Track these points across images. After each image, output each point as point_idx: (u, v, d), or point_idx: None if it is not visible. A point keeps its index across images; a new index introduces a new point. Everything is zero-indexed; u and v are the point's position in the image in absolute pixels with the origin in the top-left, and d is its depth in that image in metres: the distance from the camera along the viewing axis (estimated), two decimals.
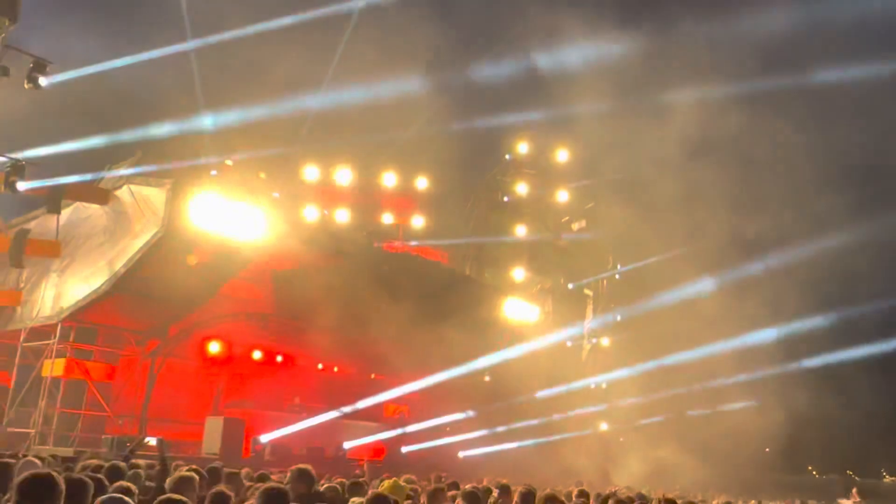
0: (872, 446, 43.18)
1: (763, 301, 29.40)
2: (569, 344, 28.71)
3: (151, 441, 9.94)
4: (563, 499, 7.75)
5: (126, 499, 4.29)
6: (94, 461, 8.19)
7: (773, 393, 32.01)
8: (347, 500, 6.85)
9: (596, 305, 29.99)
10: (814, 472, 47.49)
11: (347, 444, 21.51)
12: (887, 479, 50.74)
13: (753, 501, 14.51)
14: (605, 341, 29.84)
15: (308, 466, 6.70)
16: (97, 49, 18.57)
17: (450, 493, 8.07)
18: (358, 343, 21.83)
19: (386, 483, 6.87)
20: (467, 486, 9.48)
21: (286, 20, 19.70)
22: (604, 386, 29.60)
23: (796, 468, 43.85)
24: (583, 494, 10.83)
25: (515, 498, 7.57)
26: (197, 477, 6.57)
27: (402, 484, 7.12)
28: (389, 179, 24.17)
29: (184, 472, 6.86)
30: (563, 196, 27.87)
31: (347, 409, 21.30)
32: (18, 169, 16.77)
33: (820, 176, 28.06)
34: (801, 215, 28.84)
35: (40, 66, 16.33)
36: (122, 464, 6.79)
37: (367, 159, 23.51)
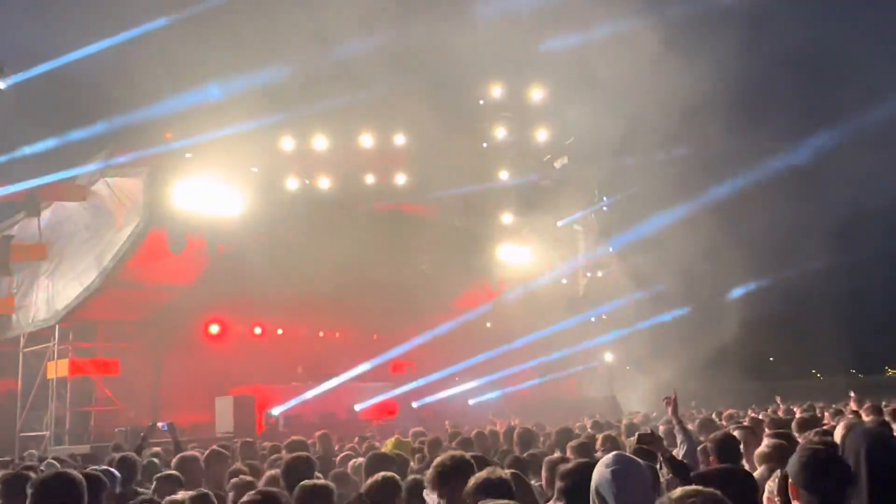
0: (875, 343, 44.06)
1: (751, 216, 29.63)
2: (564, 281, 28.91)
3: (163, 427, 10.06)
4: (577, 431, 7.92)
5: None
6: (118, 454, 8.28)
7: (771, 298, 32.53)
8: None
9: (587, 239, 30.12)
10: (818, 375, 48.43)
11: (358, 406, 21.79)
12: (890, 372, 51.87)
13: (761, 413, 14.81)
14: (600, 274, 30.07)
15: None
16: (52, 44, 18.16)
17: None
18: (356, 306, 21.93)
19: (389, 441, 6.98)
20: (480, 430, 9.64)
21: None
22: (604, 317, 29.91)
23: (801, 373, 44.75)
24: (596, 426, 11.06)
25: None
26: (199, 456, 6.64)
27: (407, 440, 7.23)
28: (367, 140, 23.96)
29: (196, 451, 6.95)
30: (542, 135, 27.70)
31: (354, 371, 21.49)
32: None
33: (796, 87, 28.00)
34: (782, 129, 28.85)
35: None
36: (134, 455, 6.84)
37: (342, 123, 23.23)
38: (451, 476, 3.55)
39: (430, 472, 3.63)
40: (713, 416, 11.87)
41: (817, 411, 11.33)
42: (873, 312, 41.65)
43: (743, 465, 4.94)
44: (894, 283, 41.33)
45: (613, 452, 3.13)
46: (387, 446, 6.75)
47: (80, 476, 3.99)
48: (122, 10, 18.74)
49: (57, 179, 18.03)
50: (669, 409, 5.95)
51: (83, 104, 18.04)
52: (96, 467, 6.06)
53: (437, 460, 3.72)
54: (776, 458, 4.28)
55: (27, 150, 17.90)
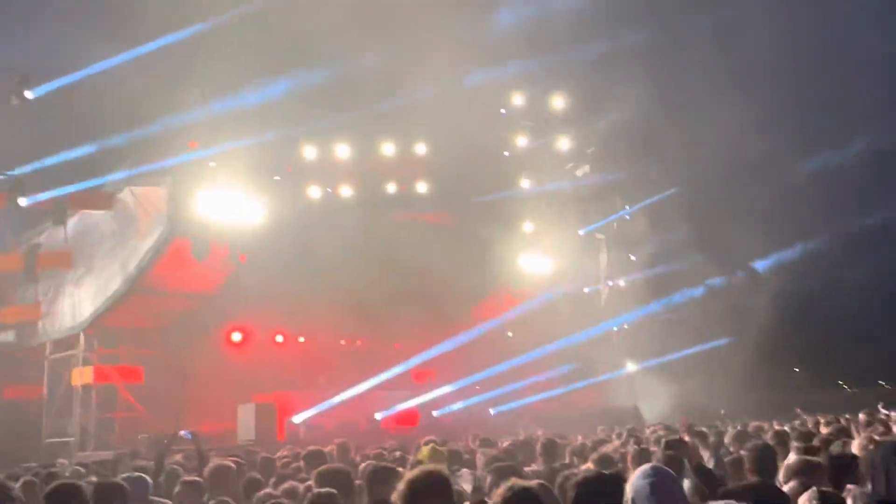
0: None
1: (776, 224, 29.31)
2: (586, 290, 28.73)
3: (186, 435, 10.11)
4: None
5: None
6: (141, 462, 8.32)
7: (799, 311, 32.07)
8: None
9: (609, 249, 29.90)
10: (845, 386, 47.64)
11: (379, 415, 21.77)
12: None
13: (786, 425, 14.60)
14: (622, 283, 29.82)
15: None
16: (77, 55, 18.42)
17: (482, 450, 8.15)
18: (377, 315, 21.95)
19: (424, 450, 6.92)
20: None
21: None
22: (626, 327, 29.65)
23: (827, 384, 44.03)
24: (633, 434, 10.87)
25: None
26: (234, 465, 6.65)
27: (442, 449, 7.19)
28: (388, 149, 24.01)
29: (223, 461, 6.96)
30: (563, 143, 27.59)
31: (375, 380, 21.48)
32: (18, 185, 16.82)
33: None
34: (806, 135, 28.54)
35: (24, 80, 16.27)
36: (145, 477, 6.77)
37: (364, 131, 23.31)
38: None
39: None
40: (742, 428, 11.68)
41: (843, 423, 11.11)
42: None
43: (777, 480, 4.83)
44: None
45: (650, 464, 3.09)
46: (422, 454, 6.69)
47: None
48: (147, 21, 18.97)
49: (83, 188, 18.26)
50: (685, 432, 5.80)
51: (108, 114, 18.25)
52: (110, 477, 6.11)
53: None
54: (808, 472, 4.17)
55: (53, 159, 18.14)
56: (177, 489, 5.86)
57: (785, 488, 4.40)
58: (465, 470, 6.54)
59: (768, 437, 7.38)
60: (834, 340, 38.95)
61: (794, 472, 4.37)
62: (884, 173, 29.31)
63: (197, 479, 6.17)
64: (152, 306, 18.42)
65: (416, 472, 3.44)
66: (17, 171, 17.23)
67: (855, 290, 33.24)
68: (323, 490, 4.66)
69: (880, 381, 47.34)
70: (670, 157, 27.73)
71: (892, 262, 32.37)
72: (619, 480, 3.62)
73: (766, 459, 4.80)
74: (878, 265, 32.15)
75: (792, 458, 4.67)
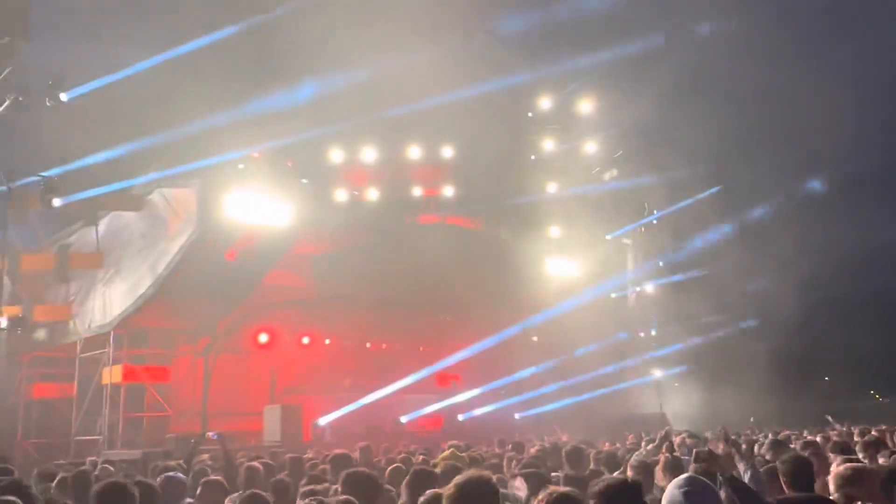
0: None
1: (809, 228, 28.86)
2: (613, 295, 28.52)
3: (213, 436, 10.17)
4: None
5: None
6: (166, 462, 8.37)
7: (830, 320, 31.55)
8: None
9: (636, 253, 29.67)
10: (876, 396, 46.79)
11: (404, 418, 21.77)
12: None
13: (818, 435, 14.35)
14: (650, 288, 29.57)
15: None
16: (111, 58, 18.68)
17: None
18: (403, 318, 21.98)
19: (445, 453, 6.88)
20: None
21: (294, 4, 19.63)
22: (653, 333, 29.39)
23: (857, 394, 43.25)
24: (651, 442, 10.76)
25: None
26: (261, 467, 6.67)
27: (463, 454, 7.15)
28: (415, 152, 24.06)
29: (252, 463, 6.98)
30: (590, 147, 27.47)
31: (400, 383, 21.49)
32: (51, 186, 17.07)
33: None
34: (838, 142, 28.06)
35: (58, 82, 16.51)
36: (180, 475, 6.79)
37: (391, 135, 23.37)
38: None
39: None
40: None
41: (876, 433, 10.86)
42: None
43: (824, 494, 4.70)
44: None
45: (685, 475, 3.04)
46: (443, 456, 6.66)
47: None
48: (177, 25, 19.21)
49: (114, 190, 18.50)
50: (721, 446, 5.65)
51: (140, 116, 18.48)
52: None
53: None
54: (857, 482, 4.04)
55: (86, 161, 18.39)
56: (198, 490, 5.86)
57: (832, 497, 4.28)
58: (519, 479, 6.45)
59: (800, 447, 7.24)
60: (866, 349, 38.26)
61: (847, 481, 4.21)
62: None
63: (219, 479, 6.17)
64: (180, 307, 18.56)
65: (464, 476, 3.44)
66: (51, 173, 17.49)
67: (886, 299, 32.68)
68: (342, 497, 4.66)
69: None
70: (698, 162, 27.48)
71: None
72: (638, 488, 3.60)
73: (804, 471, 4.69)
74: None
75: (841, 466, 4.52)
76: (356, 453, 9.35)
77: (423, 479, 4.87)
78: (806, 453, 5.51)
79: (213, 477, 6.18)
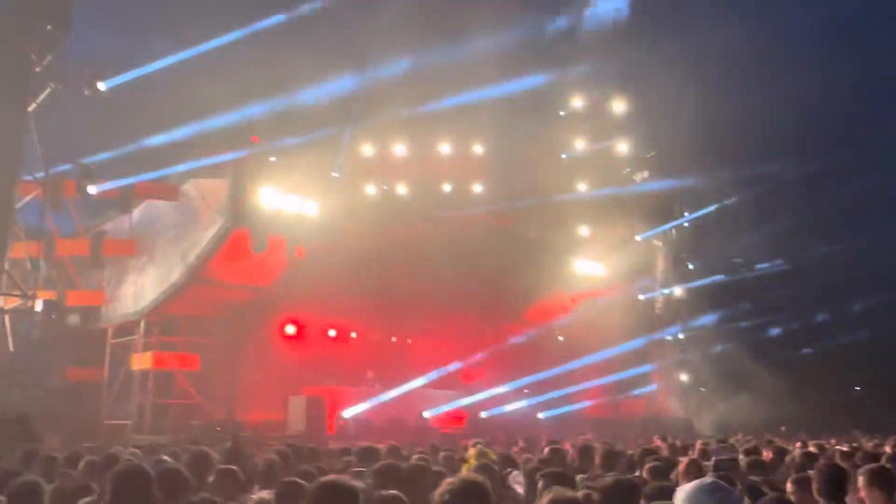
0: None
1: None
2: (641, 297, 28.28)
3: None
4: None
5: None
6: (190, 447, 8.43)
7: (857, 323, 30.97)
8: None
9: (666, 256, 29.37)
10: None
11: (427, 413, 21.81)
12: None
13: (846, 445, 14.13)
14: (679, 291, 29.27)
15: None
16: (149, 49, 18.95)
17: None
18: (429, 313, 22.00)
19: (472, 451, 6.87)
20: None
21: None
22: (680, 336, 29.10)
23: (887, 405, 42.39)
24: (673, 446, 10.69)
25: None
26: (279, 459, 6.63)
27: (488, 450, 7.14)
28: (445, 148, 24.04)
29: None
30: (622, 147, 27.25)
31: (424, 378, 21.54)
32: (87, 173, 17.36)
33: None
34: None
35: (97, 72, 16.77)
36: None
37: (422, 130, 23.36)
38: None
39: None
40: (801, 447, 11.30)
41: None
42: None
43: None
44: None
45: (709, 479, 3.01)
46: (470, 454, 6.64)
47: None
48: (214, 18, 19.39)
49: (149, 179, 18.76)
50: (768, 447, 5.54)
51: (175, 107, 18.71)
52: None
53: None
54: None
55: (122, 150, 18.68)
56: (210, 478, 5.76)
57: None
58: (516, 471, 6.47)
59: (833, 457, 7.13)
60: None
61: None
62: None
63: (232, 468, 6.02)
64: (210, 296, 18.80)
65: (455, 480, 3.45)
66: (88, 160, 17.79)
67: None
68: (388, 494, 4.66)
69: None
70: (731, 165, 27.16)
71: None
72: (635, 486, 3.64)
73: (838, 481, 4.63)
74: None
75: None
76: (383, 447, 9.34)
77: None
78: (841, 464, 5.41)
79: (225, 466, 6.04)
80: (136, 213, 19.66)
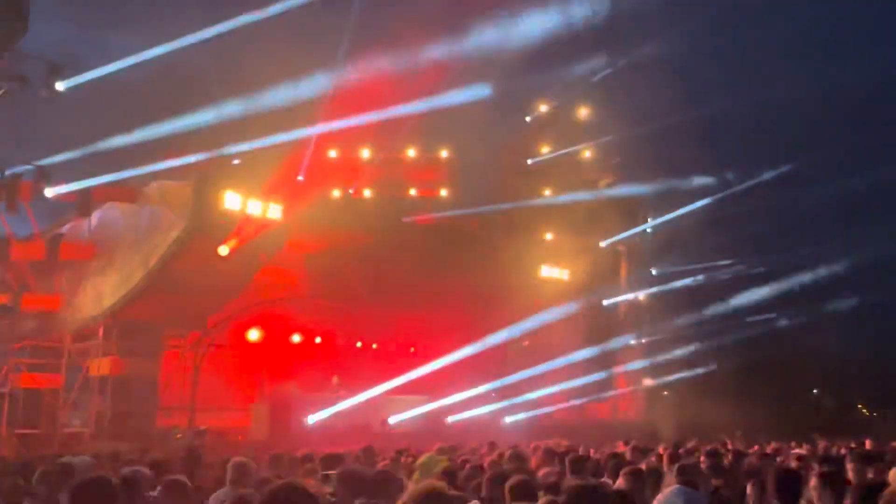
0: None
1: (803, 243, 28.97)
2: (605, 302, 28.52)
3: (202, 430, 10.10)
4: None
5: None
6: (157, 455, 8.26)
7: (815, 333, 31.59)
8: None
9: (630, 262, 29.69)
10: (863, 410, 46.92)
11: (392, 419, 21.71)
12: None
13: (805, 447, 14.40)
14: (642, 296, 29.58)
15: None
16: (110, 48, 18.59)
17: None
18: (394, 318, 21.93)
19: (421, 459, 6.83)
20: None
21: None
22: (644, 341, 29.41)
23: (845, 407, 43.36)
24: (636, 450, 10.77)
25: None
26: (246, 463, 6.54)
27: (441, 457, 7.09)
28: (412, 153, 24.04)
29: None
30: (587, 154, 27.50)
31: (389, 383, 21.44)
32: (44, 175, 16.98)
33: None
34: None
35: (55, 71, 16.41)
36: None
37: (388, 134, 23.32)
38: None
39: None
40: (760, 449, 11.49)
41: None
42: None
43: None
44: None
45: (676, 486, 3.04)
46: (420, 462, 6.59)
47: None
48: (177, 18, 19.12)
49: (109, 181, 18.40)
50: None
51: (137, 108, 18.40)
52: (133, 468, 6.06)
53: None
54: None
55: (81, 151, 18.30)
56: (159, 487, 5.61)
57: None
58: None
59: (790, 461, 7.24)
60: (854, 363, 38.39)
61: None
62: None
63: (179, 478, 5.86)
64: (171, 301, 18.49)
65: (418, 488, 3.45)
66: (44, 162, 17.40)
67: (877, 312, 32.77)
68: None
69: None
70: (695, 171, 27.57)
71: None
72: (602, 491, 3.67)
73: (791, 483, 4.70)
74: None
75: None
76: (351, 451, 9.26)
77: None
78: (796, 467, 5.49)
79: (175, 476, 5.86)
80: (95, 216, 19.28)
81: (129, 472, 5.53)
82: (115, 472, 5.96)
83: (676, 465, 6.00)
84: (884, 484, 4.63)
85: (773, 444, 12.33)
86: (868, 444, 10.97)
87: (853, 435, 16.96)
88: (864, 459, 6.23)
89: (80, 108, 17.90)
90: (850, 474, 5.97)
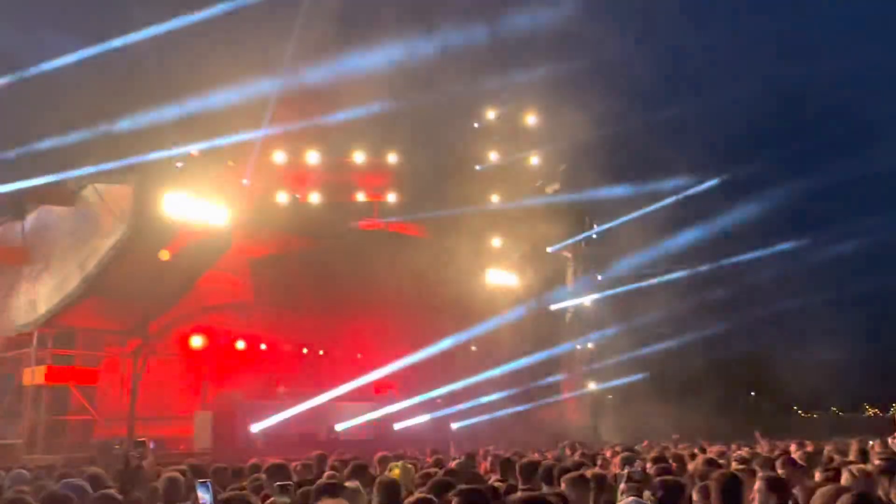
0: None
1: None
2: (552, 308, 28.81)
3: (152, 444, 9.78)
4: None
5: None
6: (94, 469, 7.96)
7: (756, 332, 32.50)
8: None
9: (576, 267, 30.08)
10: (799, 412, 48.46)
11: (339, 426, 21.51)
12: (869, 411, 52.03)
13: (744, 449, 14.74)
14: (588, 302, 29.98)
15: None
16: (45, 46, 17.99)
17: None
18: (341, 324, 21.74)
19: (395, 466, 6.75)
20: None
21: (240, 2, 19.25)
22: (590, 346, 29.80)
23: (781, 409, 44.70)
24: (584, 455, 10.88)
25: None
26: (181, 477, 6.35)
27: (410, 466, 7.03)
28: (359, 157, 23.89)
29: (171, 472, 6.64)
30: (534, 160, 27.78)
31: (336, 390, 21.24)
32: None
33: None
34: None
35: None
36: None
37: (335, 138, 23.14)
38: None
39: None
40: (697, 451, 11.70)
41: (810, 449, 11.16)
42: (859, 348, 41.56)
43: None
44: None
45: (633, 498, 3.06)
46: (394, 473, 6.51)
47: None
48: (116, 15, 18.64)
49: (44, 183, 17.75)
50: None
51: (74, 108, 17.84)
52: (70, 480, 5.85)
53: None
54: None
55: (14, 152, 17.64)
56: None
57: None
58: None
59: (732, 464, 7.38)
60: (788, 366, 39.57)
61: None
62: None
63: (111, 492, 5.64)
64: (110, 307, 17.96)
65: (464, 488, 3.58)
66: None
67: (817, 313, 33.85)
68: None
69: (833, 408, 48.18)
70: (640, 178, 28.11)
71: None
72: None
73: (734, 489, 4.77)
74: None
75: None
76: (296, 464, 9.09)
77: None
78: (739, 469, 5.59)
79: (106, 490, 5.63)
80: (30, 218, 18.62)
81: (54, 492, 5.25)
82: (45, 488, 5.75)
83: (626, 471, 6.05)
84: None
85: (715, 448, 12.55)
86: (809, 445, 11.28)
87: (792, 436, 17.45)
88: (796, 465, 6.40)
89: (14, 108, 17.27)
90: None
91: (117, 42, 17.94)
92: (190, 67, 18.08)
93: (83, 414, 17.98)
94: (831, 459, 7.95)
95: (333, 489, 4.80)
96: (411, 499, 4.48)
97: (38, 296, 18.34)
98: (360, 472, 6.96)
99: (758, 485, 5.08)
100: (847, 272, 33.12)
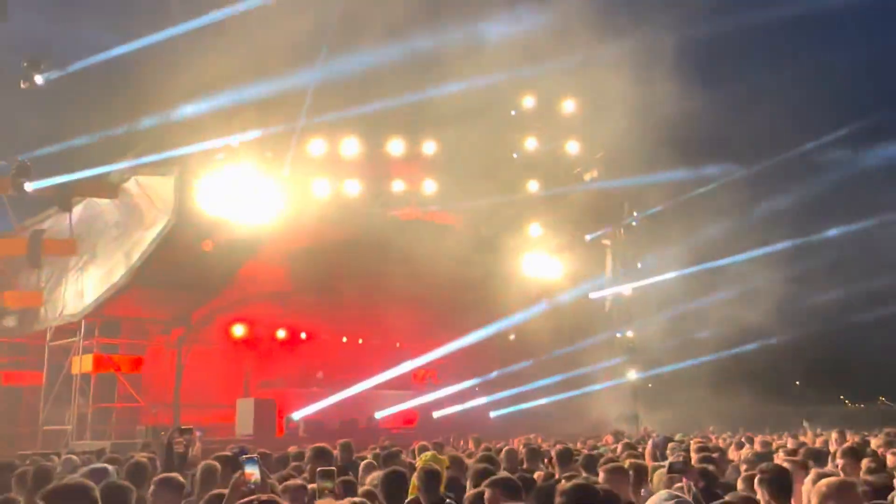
0: None
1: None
2: (591, 296, 28.55)
3: (199, 433, 9.92)
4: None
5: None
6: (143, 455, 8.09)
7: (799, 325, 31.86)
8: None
9: (615, 255, 29.72)
10: (847, 402, 47.44)
11: (379, 414, 21.65)
12: None
13: (790, 440, 14.46)
14: (628, 290, 29.63)
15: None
16: (90, 41, 18.32)
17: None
18: (380, 313, 21.83)
19: (424, 456, 6.75)
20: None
21: None
22: (630, 335, 29.50)
23: (828, 399, 43.79)
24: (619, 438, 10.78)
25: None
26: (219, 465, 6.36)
27: (443, 457, 7.03)
28: (396, 146, 23.87)
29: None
30: (572, 147, 27.47)
31: (376, 379, 21.37)
32: (24, 170, 16.73)
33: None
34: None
35: (35, 64, 16.17)
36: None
37: (373, 127, 23.14)
38: None
39: None
40: (743, 441, 11.52)
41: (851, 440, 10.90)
42: None
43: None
44: None
45: (666, 491, 3.00)
46: (421, 461, 6.51)
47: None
48: (159, 10, 18.88)
49: (89, 176, 18.14)
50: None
51: (118, 102, 18.16)
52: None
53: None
54: (837, 496, 3.93)
55: (61, 146, 18.04)
56: (151, 488, 5.50)
57: None
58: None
59: (779, 455, 7.22)
60: (837, 356, 38.79)
61: (826, 497, 4.07)
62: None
63: (172, 476, 5.76)
64: (154, 297, 18.31)
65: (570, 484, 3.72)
66: (24, 156, 17.14)
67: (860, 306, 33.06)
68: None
69: (881, 398, 47.05)
70: (679, 165, 27.67)
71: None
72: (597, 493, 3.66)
73: (783, 482, 4.65)
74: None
75: (821, 482, 4.43)
76: (335, 450, 9.19)
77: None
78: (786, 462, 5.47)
79: (164, 475, 5.74)
80: (77, 211, 19.03)
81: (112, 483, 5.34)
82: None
83: (667, 463, 5.96)
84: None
85: (760, 437, 12.35)
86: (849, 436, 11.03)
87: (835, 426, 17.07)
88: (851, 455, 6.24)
89: (61, 102, 17.64)
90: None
91: (157, 37, 18.19)
92: (231, 59, 18.24)
93: (129, 401, 18.39)
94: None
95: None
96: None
97: (86, 286, 18.77)
98: (394, 458, 7.01)
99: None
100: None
